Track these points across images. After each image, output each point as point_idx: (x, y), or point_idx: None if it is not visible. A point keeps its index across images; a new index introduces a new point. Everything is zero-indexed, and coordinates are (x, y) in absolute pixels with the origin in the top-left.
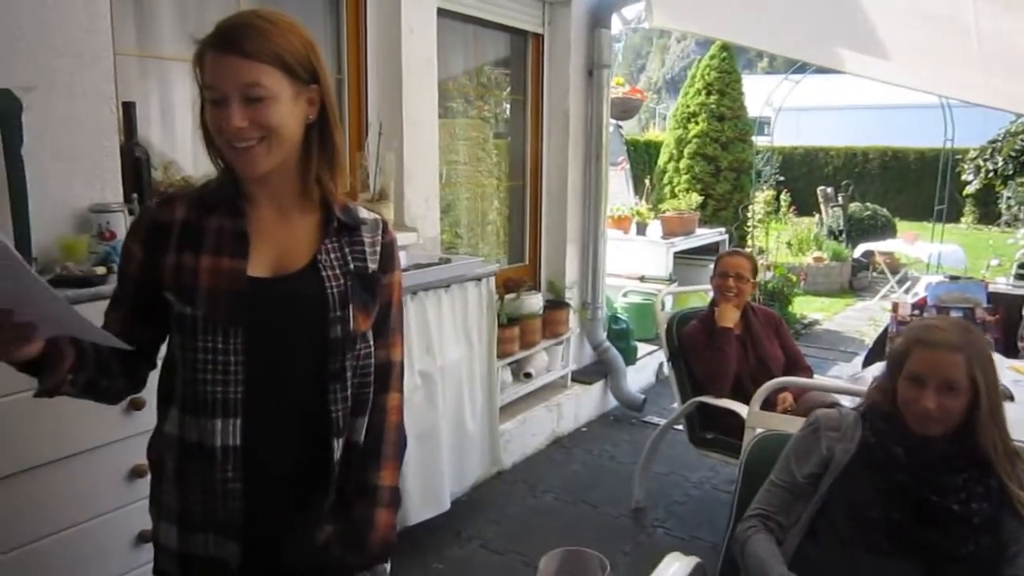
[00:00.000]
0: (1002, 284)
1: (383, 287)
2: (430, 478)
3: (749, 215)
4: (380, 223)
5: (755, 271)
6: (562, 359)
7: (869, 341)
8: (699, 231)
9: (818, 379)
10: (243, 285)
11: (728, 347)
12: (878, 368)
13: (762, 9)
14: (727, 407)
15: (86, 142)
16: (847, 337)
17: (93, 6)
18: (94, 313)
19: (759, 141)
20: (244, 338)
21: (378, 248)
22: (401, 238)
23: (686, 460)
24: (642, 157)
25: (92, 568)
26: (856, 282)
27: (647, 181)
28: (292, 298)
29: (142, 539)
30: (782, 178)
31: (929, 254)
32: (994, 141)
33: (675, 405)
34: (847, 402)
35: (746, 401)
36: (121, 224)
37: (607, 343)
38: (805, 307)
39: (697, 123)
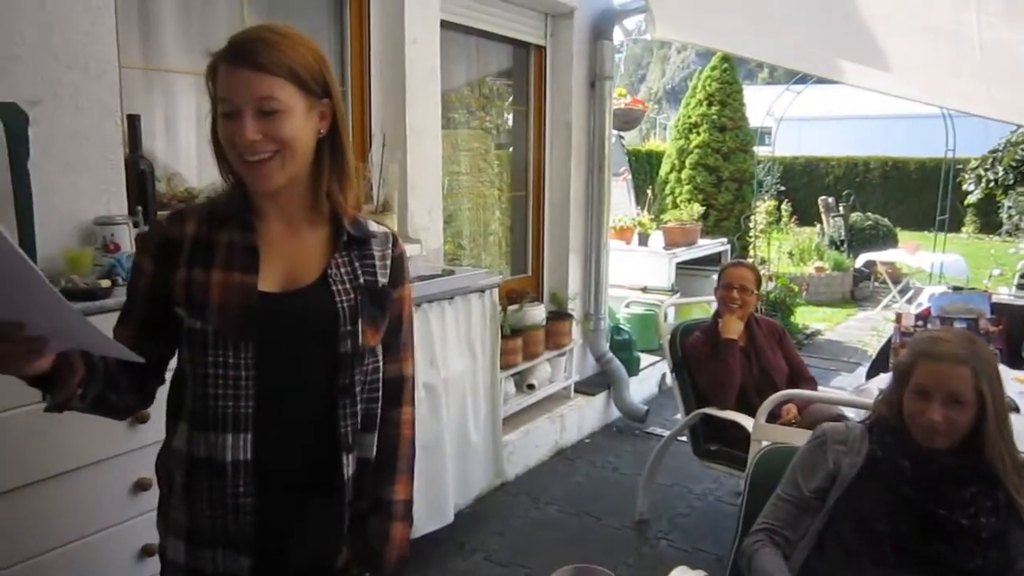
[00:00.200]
0: (1004, 294)
1: (394, 301)
2: (434, 490)
3: (751, 225)
4: (390, 236)
5: (759, 282)
6: (565, 370)
7: (871, 351)
8: (701, 241)
9: (823, 391)
10: (254, 300)
11: (732, 359)
12: (883, 380)
13: (763, 21)
14: (732, 419)
15: (91, 155)
16: (849, 347)
17: (99, 20)
18: (99, 326)
19: (760, 151)
20: (255, 353)
21: (388, 262)
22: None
23: (689, 472)
24: (643, 167)
25: None
26: (858, 292)
27: (649, 191)
28: (302, 313)
29: (146, 553)
30: (783, 188)
31: (931, 264)
32: (995, 151)
33: (678, 416)
34: (852, 414)
35: (750, 413)
36: (126, 237)
37: (610, 354)
38: (807, 317)
39: (699, 133)
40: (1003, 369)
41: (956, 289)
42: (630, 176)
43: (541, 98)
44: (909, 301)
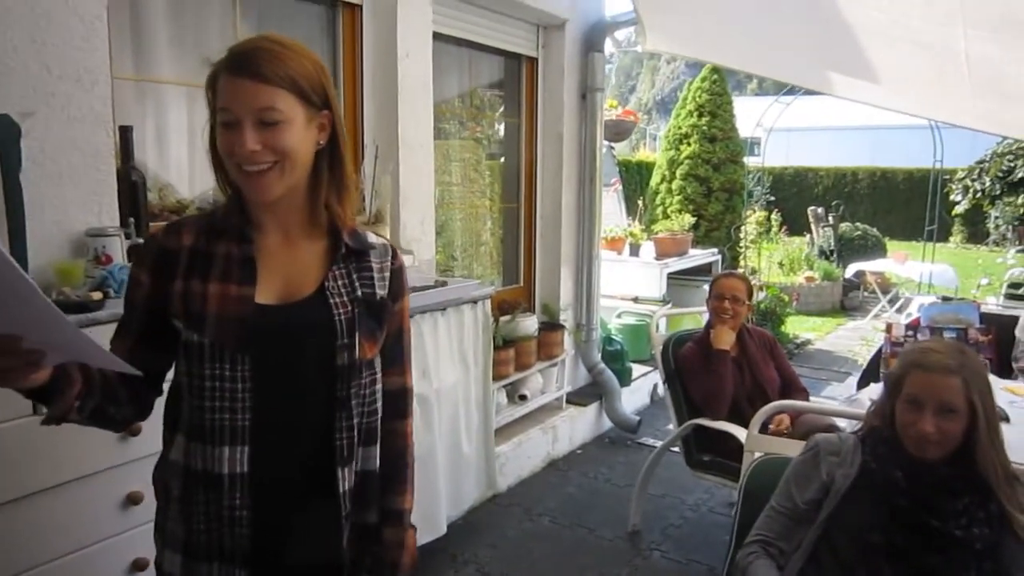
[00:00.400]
0: (992, 304)
1: (393, 314)
2: (426, 502)
3: (741, 235)
4: (389, 248)
5: (750, 293)
6: (557, 381)
7: (862, 361)
8: (692, 252)
9: (815, 402)
10: (251, 312)
11: (724, 369)
12: (874, 390)
13: (753, 34)
14: (724, 430)
15: (83, 166)
16: (839, 357)
17: (91, 31)
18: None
19: (750, 162)
20: (251, 366)
21: (387, 274)
22: None
23: (681, 482)
24: (634, 178)
25: None
26: (847, 302)
27: (639, 202)
28: (300, 325)
29: (137, 567)
30: (773, 198)
31: (920, 273)
32: (982, 162)
33: (670, 427)
34: (845, 425)
35: (743, 423)
36: (118, 248)
37: (601, 365)
38: (797, 327)
39: (689, 144)
40: (993, 379)
41: (945, 299)
42: (621, 187)
43: (533, 109)
44: (899, 311)
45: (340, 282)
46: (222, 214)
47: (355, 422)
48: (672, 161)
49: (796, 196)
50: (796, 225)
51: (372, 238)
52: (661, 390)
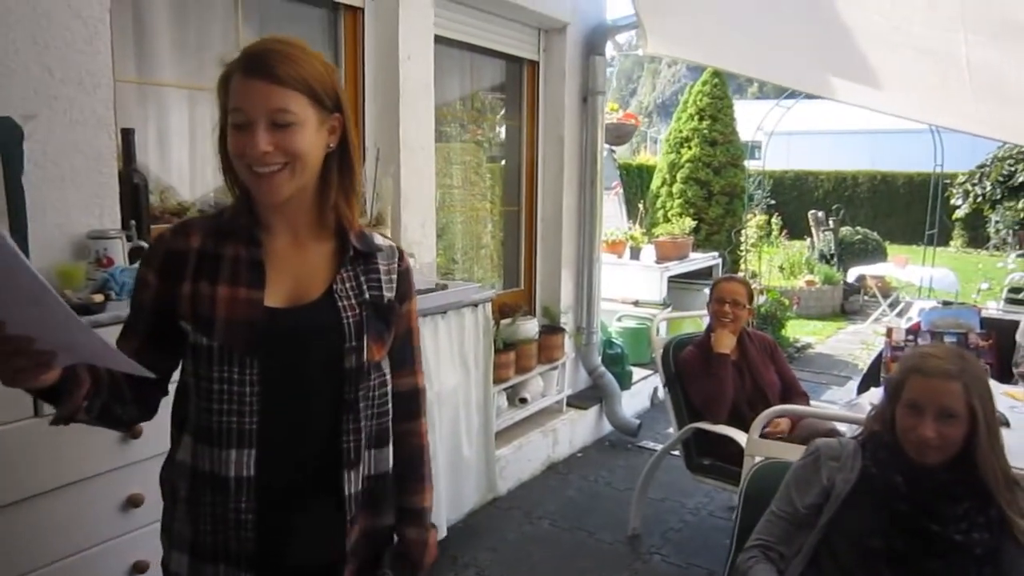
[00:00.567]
0: (993, 309)
1: (401, 316)
2: None
3: (742, 239)
4: (396, 251)
5: (751, 297)
6: (557, 384)
7: (862, 365)
8: (692, 255)
9: (815, 406)
10: (260, 316)
11: (725, 373)
12: (874, 394)
13: (755, 38)
14: (724, 434)
15: (85, 169)
16: (840, 361)
17: (94, 34)
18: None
19: (750, 165)
20: (260, 369)
21: (394, 276)
22: None
23: (681, 486)
24: (634, 181)
25: None
26: (848, 305)
27: (640, 205)
28: (309, 329)
29: (137, 570)
30: (773, 202)
31: (920, 278)
32: (982, 166)
33: (670, 430)
34: (845, 429)
35: (743, 427)
36: (119, 251)
37: (602, 368)
38: (798, 331)
39: (690, 148)
40: (993, 384)
41: (946, 304)
42: (622, 190)
43: (534, 112)
44: (899, 315)
45: (348, 285)
46: (229, 215)
47: (362, 424)
48: (673, 165)
49: (797, 200)
50: (796, 229)
51: (379, 240)
52: (661, 394)
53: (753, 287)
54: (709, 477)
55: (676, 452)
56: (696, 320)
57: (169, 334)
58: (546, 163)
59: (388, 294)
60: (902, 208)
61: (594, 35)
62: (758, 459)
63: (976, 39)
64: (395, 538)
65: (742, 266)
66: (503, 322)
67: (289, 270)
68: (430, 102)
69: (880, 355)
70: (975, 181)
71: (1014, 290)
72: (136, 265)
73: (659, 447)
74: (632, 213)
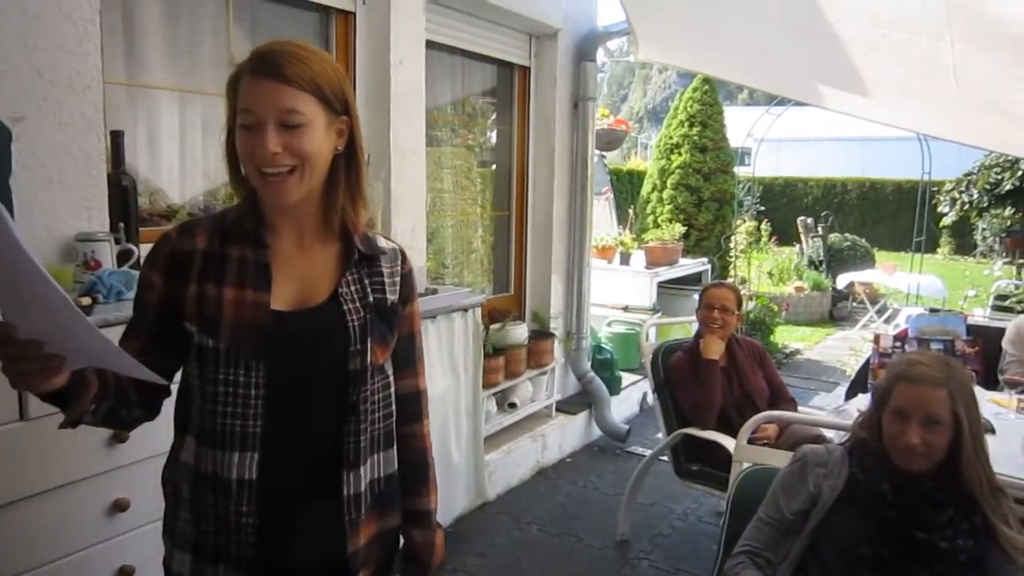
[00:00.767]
0: (979, 316)
1: (404, 318)
2: None
3: (731, 245)
4: (399, 253)
5: (740, 303)
6: (547, 389)
7: (850, 371)
8: (682, 261)
9: (803, 412)
10: (267, 319)
11: (713, 379)
12: (862, 401)
13: (745, 46)
14: (713, 439)
15: (73, 171)
16: (828, 367)
17: (83, 36)
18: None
19: (740, 172)
20: (266, 372)
21: (397, 279)
22: None
23: (670, 491)
24: (625, 186)
25: None
26: (836, 312)
27: (630, 211)
28: (314, 332)
29: (123, 574)
30: (763, 208)
31: (908, 284)
32: (969, 174)
33: (659, 435)
34: (832, 435)
35: (731, 433)
36: (107, 253)
37: (591, 373)
38: (786, 336)
39: (680, 154)
40: (979, 391)
41: (933, 311)
42: (612, 195)
43: (524, 118)
44: (887, 322)
45: (353, 288)
46: (235, 216)
47: (364, 427)
48: (663, 170)
49: (786, 206)
50: (786, 235)
51: (382, 243)
52: (651, 399)
53: (742, 293)
54: (698, 483)
55: (665, 457)
56: (685, 326)
57: (173, 335)
58: (537, 168)
59: (391, 297)
60: (890, 215)
61: (585, 41)
62: (746, 465)
63: (962, 49)
64: (401, 540)
65: (731, 272)
66: (493, 327)
67: (294, 273)
68: (421, 106)
69: (868, 361)
70: (962, 189)
71: (1000, 297)
72: (125, 268)
73: (648, 452)
74: (622, 219)
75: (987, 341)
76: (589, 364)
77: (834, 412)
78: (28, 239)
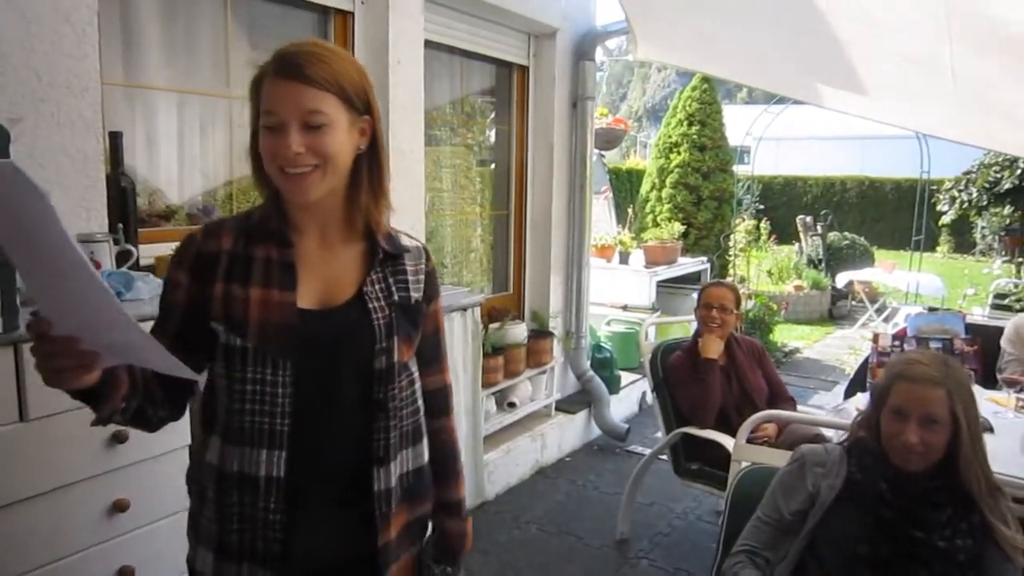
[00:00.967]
0: (978, 315)
1: (428, 316)
2: None
3: (730, 244)
4: (422, 251)
5: (738, 302)
6: (546, 388)
7: (849, 370)
8: (681, 260)
9: (802, 411)
10: (294, 318)
11: (712, 378)
12: (861, 400)
13: (744, 45)
14: (712, 439)
15: (72, 172)
16: (827, 366)
17: (81, 37)
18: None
19: (739, 170)
20: (293, 370)
21: (421, 277)
22: None
23: (669, 490)
24: (624, 185)
25: None
26: (836, 310)
27: (629, 210)
28: (341, 331)
29: (122, 575)
30: (762, 207)
31: (907, 283)
32: (968, 172)
33: (659, 435)
34: (831, 434)
35: (730, 432)
36: (106, 254)
37: (591, 372)
38: (786, 335)
39: (679, 153)
40: (977, 389)
41: (932, 310)
42: (611, 194)
43: (523, 117)
44: (886, 320)
45: (378, 286)
46: (259, 216)
47: (394, 423)
48: (662, 169)
49: (785, 205)
50: (785, 234)
51: (405, 240)
52: (650, 398)
53: (741, 292)
54: (697, 482)
55: (664, 457)
56: (685, 325)
57: (198, 334)
58: (535, 167)
59: (415, 295)
60: (890, 214)
61: (584, 41)
62: (744, 464)
63: (961, 50)
64: (430, 527)
65: (730, 271)
66: (492, 326)
67: (319, 272)
68: (420, 107)
69: (866, 360)
70: (961, 187)
71: (999, 295)
72: (124, 269)
73: (647, 451)
74: (621, 217)
75: (986, 340)
76: (588, 363)
77: (833, 411)
78: None
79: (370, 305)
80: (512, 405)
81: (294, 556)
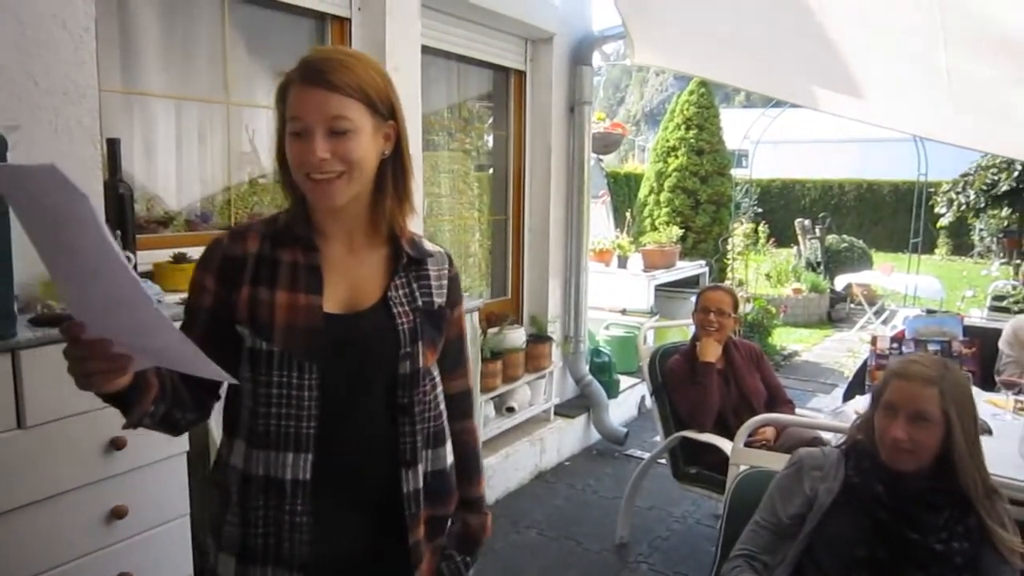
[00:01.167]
0: (977, 317)
1: (452, 321)
2: None
3: (729, 247)
4: (445, 256)
5: (736, 306)
6: (544, 393)
7: (848, 372)
8: (679, 264)
9: (800, 414)
10: (320, 322)
11: (710, 382)
12: (859, 403)
13: (740, 48)
14: (710, 442)
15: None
16: (826, 368)
17: (79, 44)
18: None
19: (737, 174)
20: (319, 374)
21: (444, 283)
22: None
23: (668, 494)
24: (622, 189)
25: None
26: (834, 313)
27: (628, 214)
28: (366, 335)
29: None
30: (760, 210)
31: (905, 286)
32: (966, 175)
33: (657, 439)
34: (829, 437)
35: (729, 435)
36: None
37: (589, 376)
38: (785, 338)
39: (677, 157)
40: (976, 391)
41: (930, 312)
42: (609, 199)
43: (521, 122)
44: (884, 323)
45: (402, 292)
46: (285, 221)
47: (420, 427)
48: (660, 173)
49: (783, 208)
50: (783, 237)
51: (428, 246)
52: (648, 402)
53: (740, 295)
54: (696, 485)
55: (663, 461)
56: (683, 329)
57: (224, 338)
58: (533, 172)
59: (439, 300)
60: (888, 216)
61: (581, 45)
62: (743, 467)
63: (956, 51)
64: (450, 521)
65: (729, 274)
66: (490, 331)
67: (345, 276)
68: (417, 111)
69: (865, 363)
70: (959, 190)
71: (998, 297)
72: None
73: (646, 456)
74: (620, 221)
75: (984, 342)
76: (587, 367)
77: (831, 414)
78: (23, 248)
79: (395, 310)
80: (511, 410)
81: (320, 559)
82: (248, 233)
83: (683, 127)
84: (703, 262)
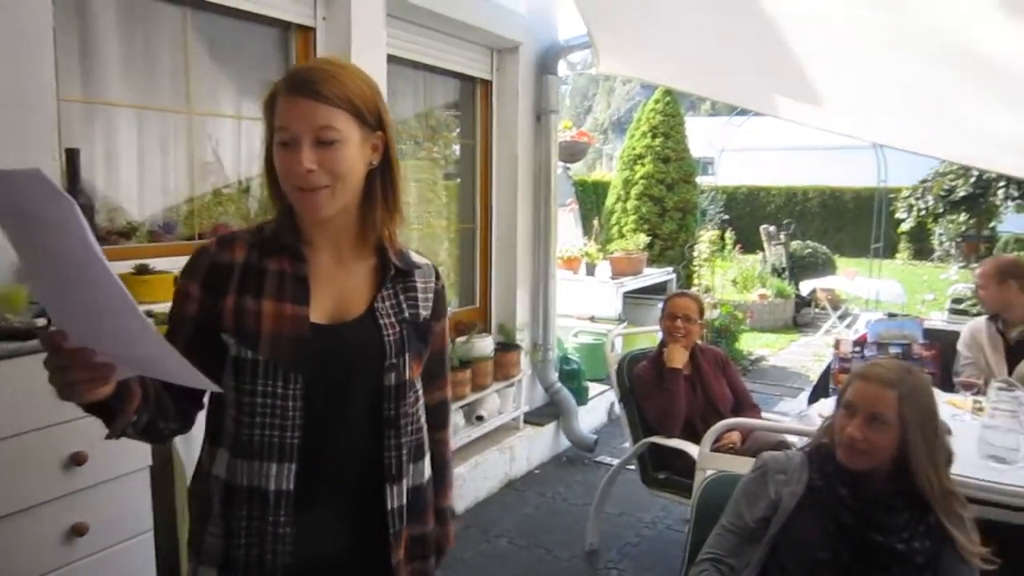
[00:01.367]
0: (937, 320)
1: (436, 334)
2: None
3: (695, 254)
4: (432, 269)
5: (702, 312)
6: (514, 401)
7: (813, 376)
8: (647, 271)
9: (766, 418)
10: (307, 332)
11: (677, 388)
12: (824, 406)
13: (703, 58)
14: (678, 447)
15: None
16: (792, 372)
17: (36, 52)
18: (36, 367)
19: (703, 181)
20: (304, 384)
21: (431, 295)
22: None
23: (638, 500)
24: (590, 197)
25: None
26: (799, 318)
27: (595, 222)
28: (351, 346)
29: None
30: (726, 217)
31: (868, 290)
32: (924, 181)
33: (627, 445)
34: (795, 440)
35: (696, 440)
36: None
37: (559, 384)
38: (751, 343)
39: (643, 165)
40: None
41: (891, 316)
42: (577, 206)
43: (488, 132)
44: (848, 327)
45: (388, 303)
46: (272, 230)
47: (405, 441)
48: (627, 181)
49: (749, 215)
50: (749, 243)
51: (416, 258)
52: (618, 409)
53: (707, 301)
54: (665, 491)
55: (632, 467)
56: (651, 335)
57: (209, 346)
58: (500, 181)
59: (424, 312)
60: (850, 222)
61: (547, 55)
62: (710, 472)
63: (912, 61)
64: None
65: (696, 281)
66: (459, 340)
67: (331, 287)
68: None
69: (829, 367)
70: (918, 196)
71: (956, 300)
72: None
73: (616, 462)
74: (587, 229)
75: (944, 344)
76: (556, 375)
77: (797, 417)
78: None
79: (381, 321)
80: (480, 418)
81: (303, 570)
82: (235, 242)
83: (649, 135)
84: (670, 269)
